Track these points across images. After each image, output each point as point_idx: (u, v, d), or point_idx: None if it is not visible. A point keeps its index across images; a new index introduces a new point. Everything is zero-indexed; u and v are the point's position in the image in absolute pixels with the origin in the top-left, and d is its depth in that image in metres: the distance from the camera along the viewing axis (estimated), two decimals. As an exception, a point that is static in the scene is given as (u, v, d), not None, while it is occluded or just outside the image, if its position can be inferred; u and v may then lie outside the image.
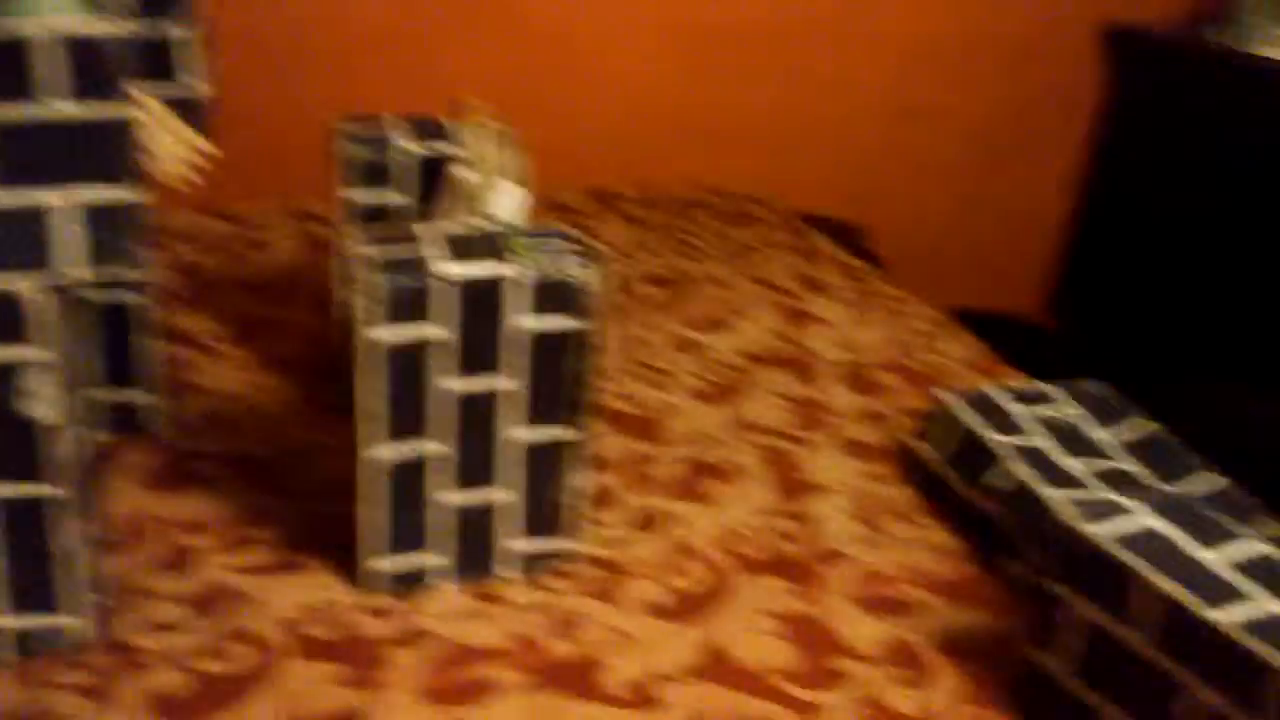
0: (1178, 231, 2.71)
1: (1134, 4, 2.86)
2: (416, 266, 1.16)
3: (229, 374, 1.61)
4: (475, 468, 1.23)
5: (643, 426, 1.58)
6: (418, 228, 1.27)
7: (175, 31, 1.33)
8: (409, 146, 1.47)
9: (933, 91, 2.84)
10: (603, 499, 1.40)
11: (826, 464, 1.53)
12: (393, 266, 1.16)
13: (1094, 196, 2.98)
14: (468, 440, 1.22)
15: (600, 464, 1.44)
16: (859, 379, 1.76)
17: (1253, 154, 2.55)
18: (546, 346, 1.20)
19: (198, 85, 1.37)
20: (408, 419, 1.19)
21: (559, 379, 1.22)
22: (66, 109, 1.03)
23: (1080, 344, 2.89)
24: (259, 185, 2.16)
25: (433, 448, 1.20)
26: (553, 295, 1.18)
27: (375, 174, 1.47)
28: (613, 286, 1.99)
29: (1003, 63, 2.85)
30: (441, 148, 1.48)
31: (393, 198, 1.48)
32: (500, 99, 2.43)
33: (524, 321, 1.19)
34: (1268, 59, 2.60)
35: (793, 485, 1.49)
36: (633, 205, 2.36)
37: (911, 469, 1.53)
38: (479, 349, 1.18)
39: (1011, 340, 2.11)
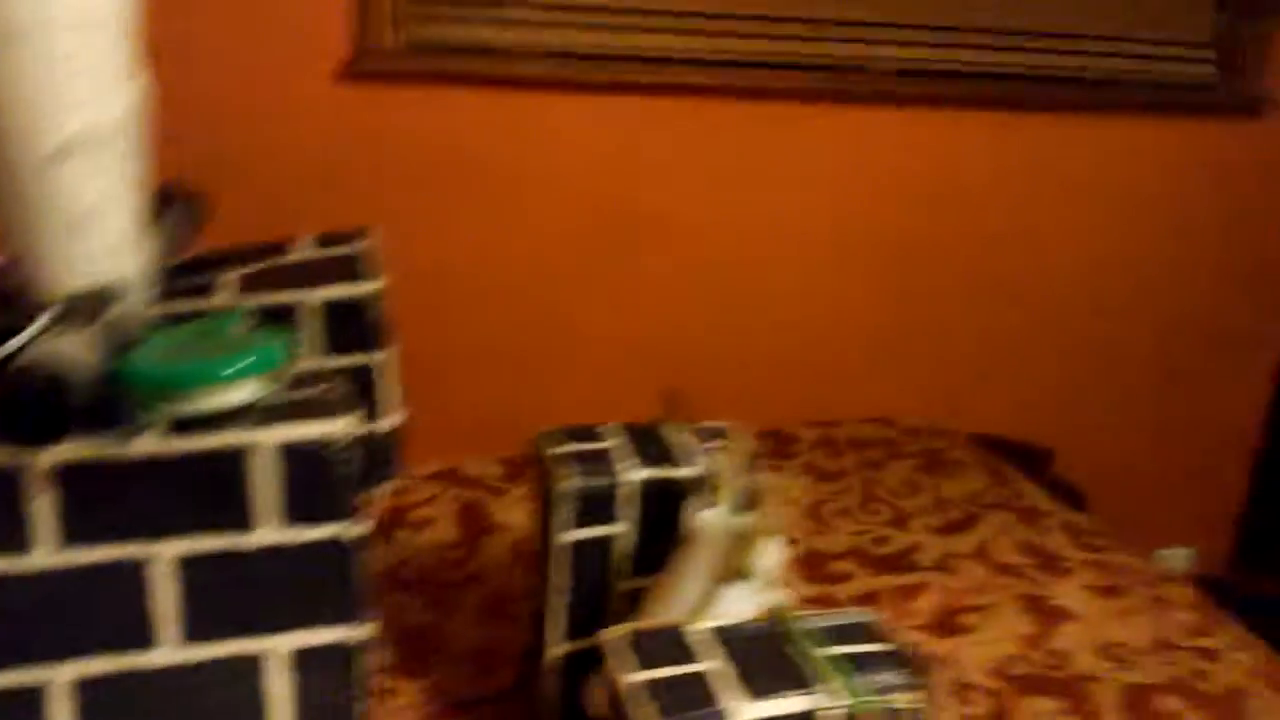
0: None
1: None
2: (702, 699, 0.90)
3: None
4: None
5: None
6: (671, 609, 1.02)
7: (372, 360, 1.12)
8: (639, 474, 1.23)
9: (1115, 297, 2.60)
10: None
11: None
12: (672, 701, 0.90)
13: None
14: None
15: None
16: (1142, 711, 1.46)
17: None
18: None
19: (393, 418, 1.16)
20: None
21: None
22: (285, 535, 0.80)
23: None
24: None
25: None
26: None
27: (596, 506, 1.23)
28: (803, 571, 1.74)
29: (1192, 270, 2.62)
30: (673, 472, 1.24)
31: (615, 530, 1.24)
32: (662, 337, 2.26)
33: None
34: None
35: None
36: (814, 451, 2.10)
37: None
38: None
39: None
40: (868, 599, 1.66)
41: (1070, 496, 2.18)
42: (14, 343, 0.79)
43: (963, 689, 1.49)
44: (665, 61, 2.14)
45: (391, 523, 1.76)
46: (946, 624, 1.62)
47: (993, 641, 1.59)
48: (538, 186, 2.14)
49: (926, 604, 1.66)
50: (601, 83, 2.10)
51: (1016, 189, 2.39)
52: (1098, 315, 2.56)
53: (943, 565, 1.76)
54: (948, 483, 2.03)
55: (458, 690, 1.43)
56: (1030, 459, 2.33)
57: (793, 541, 1.10)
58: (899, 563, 1.77)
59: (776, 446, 2.13)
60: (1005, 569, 1.76)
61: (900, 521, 1.90)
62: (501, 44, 2.07)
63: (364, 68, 2.00)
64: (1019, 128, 2.33)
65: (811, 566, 1.76)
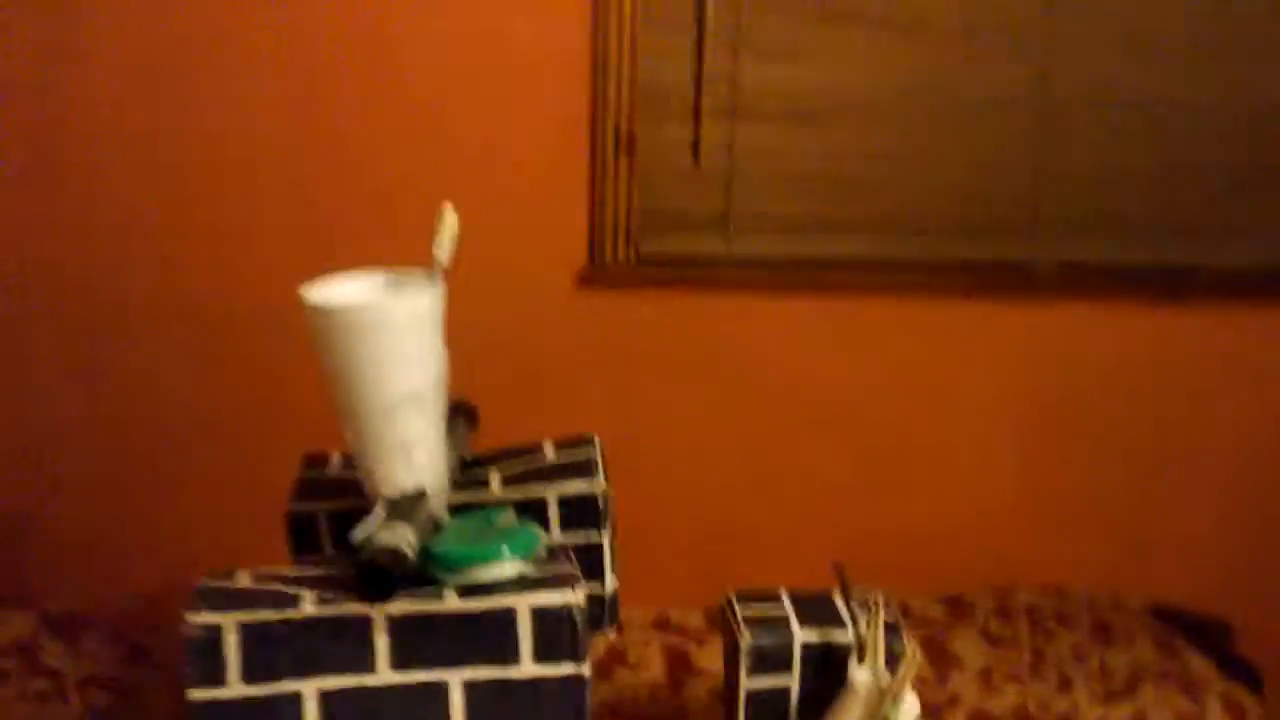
0: None
1: None
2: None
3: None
4: None
5: None
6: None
7: (599, 538, 1.47)
8: (804, 636, 1.52)
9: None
10: None
11: None
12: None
13: None
14: None
15: None
16: None
17: None
18: None
19: (612, 582, 1.50)
20: None
21: None
22: (538, 670, 1.14)
23: None
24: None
25: None
26: None
27: (770, 660, 1.52)
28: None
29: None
30: (834, 637, 1.51)
31: (786, 681, 1.52)
32: (845, 509, 2.53)
33: None
34: None
35: None
36: (989, 617, 2.31)
37: None
38: None
39: None
40: (1027, 757, 1.85)
41: (1245, 673, 2.27)
42: (363, 529, 1.18)
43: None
44: (843, 264, 2.48)
45: (611, 663, 2.09)
46: (1097, 784, 1.80)
47: (1139, 803, 1.76)
48: (742, 374, 2.49)
49: (1080, 765, 1.84)
50: (790, 283, 2.46)
51: (1172, 373, 2.55)
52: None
53: (1099, 729, 1.93)
54: (1115, 652, 2.19)
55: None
56: (1206, 633, 2.43)
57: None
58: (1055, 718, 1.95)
59: (954, 613, 2.34)
60: (1159, 736, 1.91)
61: (1065, 686, 2.07)
62: (709, 255, 2.46)
63: (599, 275, 2.42)
64: (1175, 315, 2.52)
65: (977, 724, 1.97)
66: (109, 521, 2.45)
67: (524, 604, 1.15)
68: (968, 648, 2.19)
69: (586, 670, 1.15)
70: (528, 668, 1.14)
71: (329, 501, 1.43)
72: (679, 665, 2.09)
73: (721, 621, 1.63)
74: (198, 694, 1.12)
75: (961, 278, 2.52)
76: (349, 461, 1.45)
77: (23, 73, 2.28)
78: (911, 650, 1.37)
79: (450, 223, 1.28)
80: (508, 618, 1.15)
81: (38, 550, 2.43)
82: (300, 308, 1.21)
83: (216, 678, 1.12)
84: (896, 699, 1.37)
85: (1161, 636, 2.27)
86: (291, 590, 1.17)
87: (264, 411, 2.40)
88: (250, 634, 1.12)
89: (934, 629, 2.25)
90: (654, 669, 2.09)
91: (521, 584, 1.18)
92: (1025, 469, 2.61)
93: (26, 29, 2.26)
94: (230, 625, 1.12)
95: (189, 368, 2.41)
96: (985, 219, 2.53)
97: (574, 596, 1.16)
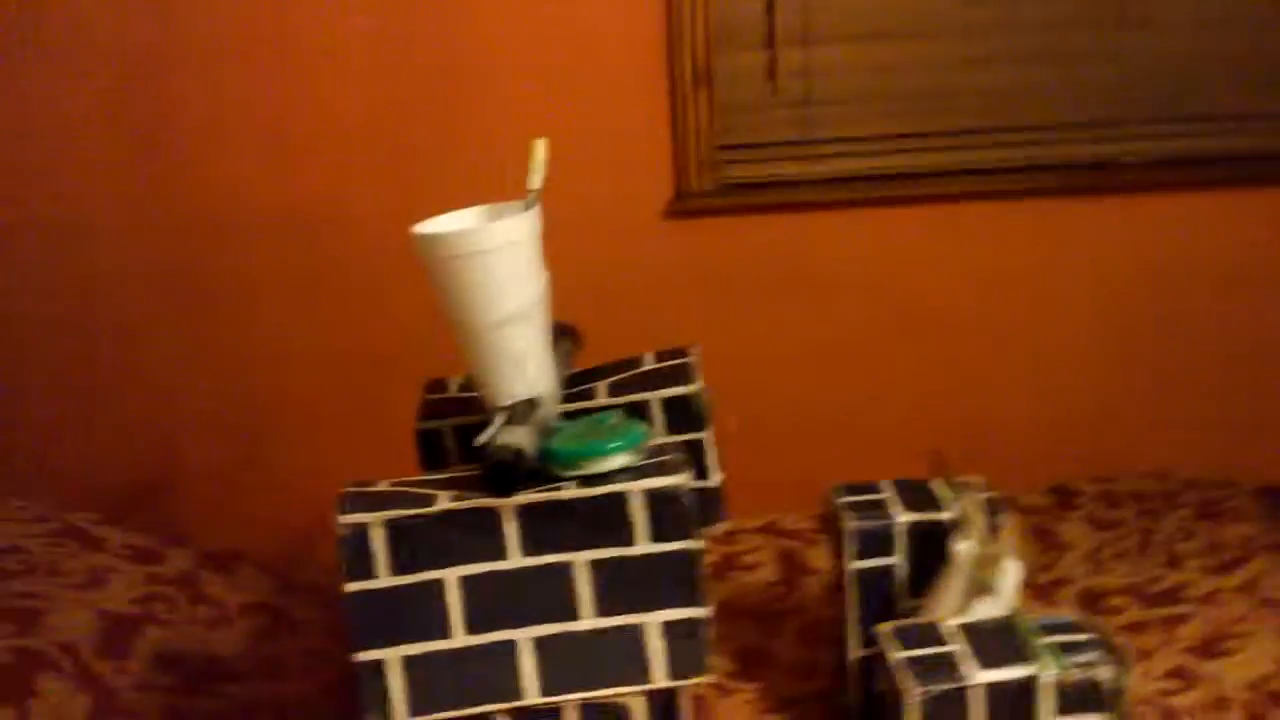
0: None
1: None
2: (949, 670, 1.26)
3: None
4: None
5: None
6: (934, 616, 1.38)
7: (701, 437, 1.57)
8: (905, 517, 1.60)
9: None
10: None
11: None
12: (925, 670, 1.26)
13: None
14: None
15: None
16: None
17: None
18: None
19: (717, 477, 1.60)
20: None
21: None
22: (652, 548, 1.25)
23: None
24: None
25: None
26: (1079, 697, 1.24)
27: (873, 542, 1.60)
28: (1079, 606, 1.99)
29: None
30: (934, 516, 1.59)
31: (891, 562, 1.60)
32: (946, 409, 2.58)
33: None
34: None
35: None
36: (1095, 504, 2.35)
37: None
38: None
39: None
40: (1137, 627, 1.90)
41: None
42: (486, 434, 1.30)
43: (1220, 701, 1.71)
44: (924, 176, 2.52)
45: (726, 566, 2.20)
46: (1209, 648, 1.84)
47: (1251, 663, 1.80)
48: (830, 287, 2.56)
49: (1191, 631, 1.88)
50: (873, 198, 2.51)
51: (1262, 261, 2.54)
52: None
53: (1209, 599, 1.97)
54: (1223, 528, 2.21)
55: (785, 691, 1.83)
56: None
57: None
58: (1169, 597, 1.99)
59: (1059, 501, 2.39)
60: (1269, 602, 1.94)
61: (1174, 563, 2.11)
62: (791, 177, 2.53)
63: (685, 206, 2.51)
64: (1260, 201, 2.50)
65: (1087, 602, 2.02)
66: (251, 471, 2.65)
67: (636, 489, 1.26)
68: (1074, 532, 2.24)
69: (697, 546, 1.26)
70: (643, 547, 1.26)
71: (452, 418, 1.56)
72: (791, 565, 2.19)
73: (827, 511, 1.72)
74: (352, 585, 1.26)
75: (1042, 178, 2.54)
76: (465, 384, 1.59)
77: (142, 81, 2.46)
78: (1011, 519, 1.44)
79: (540, 153, 1.39)
80: (622, 502, 1.26)
81: (191, 496, 2.65)
82: (413, 244, 1.33)
83: (367, 571, 1.26)
84: (998, 563, 1.44)
85: (1271, 512, 2.28)
86: (427, 491, 1.30)
87: (387, 355, 2.56)
88: (394, 529, 1.26)
89: (1040, 516, 2.30)
90: (768, 570, 2.19)
91: (631, 472, 1.29)
92: (1120, 362, 2.63)
93: (134, 41, 2.43)
94: (376, 522, 1.26)
95: (318, 326, 2.58)
96: (1062, 120, 2.54)
97: (679, 479, 1.27)
